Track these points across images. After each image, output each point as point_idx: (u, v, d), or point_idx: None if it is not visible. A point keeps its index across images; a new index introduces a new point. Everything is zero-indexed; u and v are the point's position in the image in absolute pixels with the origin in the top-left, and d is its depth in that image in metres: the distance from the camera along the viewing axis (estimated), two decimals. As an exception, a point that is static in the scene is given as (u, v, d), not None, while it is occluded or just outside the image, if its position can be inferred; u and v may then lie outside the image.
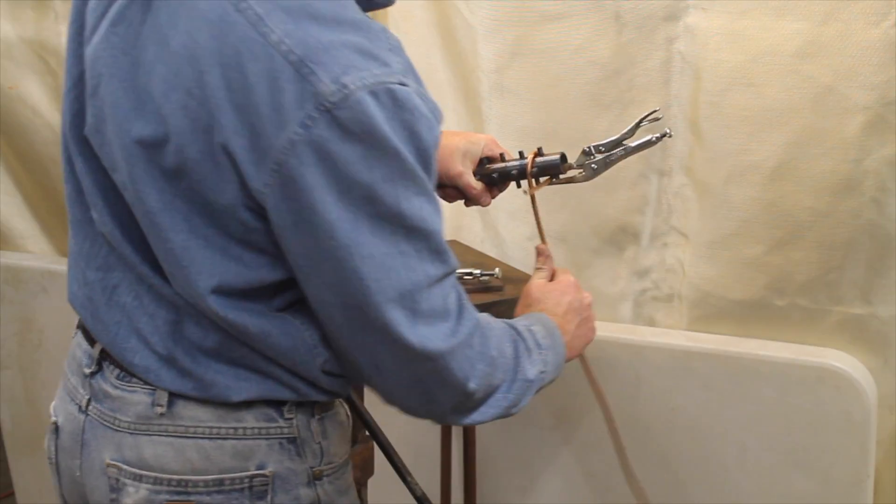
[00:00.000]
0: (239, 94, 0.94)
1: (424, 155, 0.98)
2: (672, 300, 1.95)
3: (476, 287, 1.67)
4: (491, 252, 1.97)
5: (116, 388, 1.12)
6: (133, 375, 1.11)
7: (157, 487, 1.10)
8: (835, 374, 1.75)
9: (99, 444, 1.13)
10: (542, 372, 1.19)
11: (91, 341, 1.17)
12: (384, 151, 0.95)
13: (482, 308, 1.65)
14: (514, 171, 1.44)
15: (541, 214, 1.52)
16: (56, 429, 1.20)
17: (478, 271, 1.69)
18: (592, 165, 1.41)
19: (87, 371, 1.16)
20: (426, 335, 1.01)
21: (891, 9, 1.59)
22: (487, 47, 1.89)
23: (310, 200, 0.95)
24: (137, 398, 1.10)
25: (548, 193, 1.85)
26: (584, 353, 1.37)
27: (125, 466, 1.11)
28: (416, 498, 1.41)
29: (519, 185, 1.47)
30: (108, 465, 1.12)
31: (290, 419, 1.12)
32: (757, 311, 1.84)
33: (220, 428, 1.09)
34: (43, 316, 2.38)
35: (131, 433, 1.11)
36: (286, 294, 1.07)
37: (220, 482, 1.09)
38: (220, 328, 1.07)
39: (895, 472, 1.85)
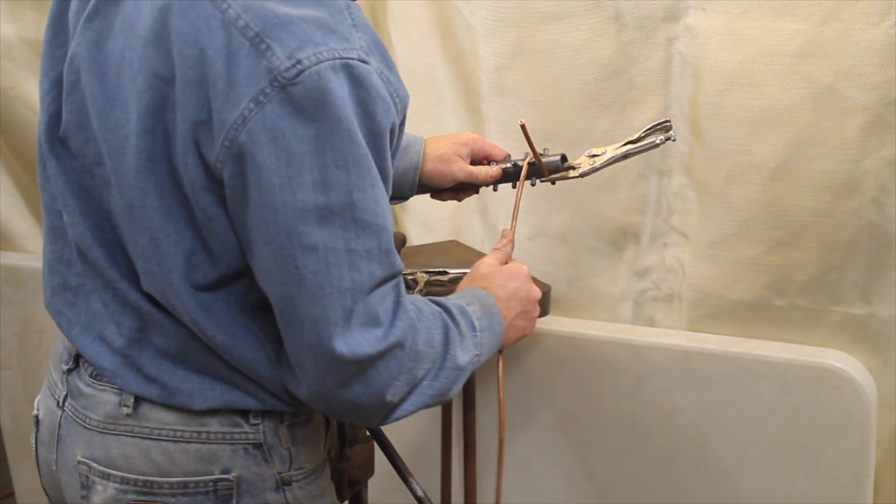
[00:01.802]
0: (197, 70, 0.94)
1: (377, 139, 0.95)
2: (672, 300, 1.95)
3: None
4: (491, 252, 1.97)
5: (89, 386, 1.13)
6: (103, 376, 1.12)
7: (125, 487, 1.10)
8: (835, 374, 1.75)
9: (72, 441, 1.14)
10: (476, 356, 1.12)
11: None
12: (338, 133, 0.92)
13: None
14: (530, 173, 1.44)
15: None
16: (37, 422, 1.21)
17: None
18: (594, 164, 1.41)
19: (65, 367, 1.16)
20: (355, 341, 0.96)
21: (891, 9, 1.59)
22: (487, 47, 1.89)
23: (258, 180, 0.93)
24: (106, 397, 1.11)
25: (548, 193, 1.86)
26: (503, 352, 1.28)
27: (94, 465, 1.11)
28: (417, 498, 1.41)
29: (514, 186, 1.47)
30: (79, 463, 1.12)
31: (257, 425, 1.11)
32: (757, 311, 1.84)
33: (183, 431, 1.09)
34: (43, 316, 2.36)
35: (100, 432, 1.11)
36: (252, 293, 1.05)
37: (185, 485, 1.09)
38: (185, 336, 1.06)
39: (895, 472, 1.85)
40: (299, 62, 0.91)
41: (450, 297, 1.17)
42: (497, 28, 1.87)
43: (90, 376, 1.13)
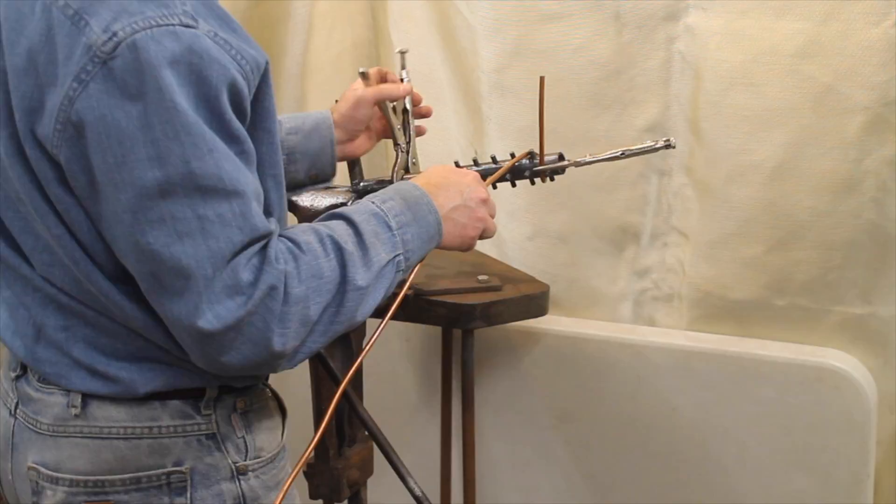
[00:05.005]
0: (23, 58, 0.94)
1: (214, 103, 0.92)
2: (672, 300, 1.95)
3: (476, 287, 1.67)
4: (491, 252, 1.97)
5: (38, 390, 1.11)
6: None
7: (74, 490, 1.09)
8: (835, 374, 1.75)
9: (25, 447, 1.12)
10: (399, 254, 1.09)
11: None
12: (163, 104, 0.89)
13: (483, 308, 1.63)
14: (526, 172, 1.44)
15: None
16: None
17: None
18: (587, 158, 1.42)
19: (13, 375, 1.15)
20: (222, 309, 0.93)
21: (891, 9, 1.59)
22: (487, 47, 1.89)
23: (94, 162, 0.92)
24: (55, 400, 1.09)
25: (548, 193, 1.86)
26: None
27: (43, 469, 1.09)
28: (416, 498, 1.40)
29: (514, 185, 1.46)
30: (30, 469, 1.11)
31: (209, 415, 1.10)
32: (757, 311, 1.84)
33: (134, 427, 1.08)
34: None
35: (51, 435, 1.09)
36: None
37: (138, 480, 1.08)
38: (107, 324, 1.05)
39: (895, 472, 1.85)
40: (115, 34, 0.89)
41: (367, 197, 1.14)
42: (497, 28, 1.87)
43: (38, 381, 1.11)
